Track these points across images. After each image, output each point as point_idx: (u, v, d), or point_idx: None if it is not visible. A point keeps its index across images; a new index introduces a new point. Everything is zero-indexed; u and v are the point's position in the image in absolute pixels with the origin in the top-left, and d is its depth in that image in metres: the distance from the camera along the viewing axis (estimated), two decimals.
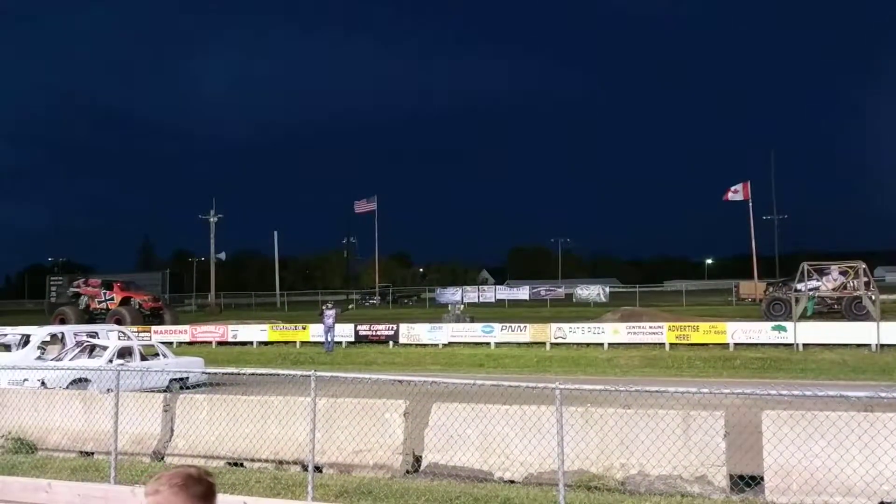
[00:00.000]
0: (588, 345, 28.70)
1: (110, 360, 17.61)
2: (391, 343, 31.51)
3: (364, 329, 32.84)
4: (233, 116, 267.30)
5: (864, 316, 28.38)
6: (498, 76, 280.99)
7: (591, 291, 60.57)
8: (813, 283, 30.89)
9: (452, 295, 62.58)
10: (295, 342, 33.10)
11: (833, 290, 31.27)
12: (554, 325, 30.29)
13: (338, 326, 31.64)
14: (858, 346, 25.26)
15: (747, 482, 8.08)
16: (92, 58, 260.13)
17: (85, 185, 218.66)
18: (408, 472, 9.59)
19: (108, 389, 10.76)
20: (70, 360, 18.41)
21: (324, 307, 32.79)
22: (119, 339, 21.92)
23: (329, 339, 30.72)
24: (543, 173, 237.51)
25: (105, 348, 18.91)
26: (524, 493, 8.46)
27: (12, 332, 23.34)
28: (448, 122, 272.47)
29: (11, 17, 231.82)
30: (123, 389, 11.15)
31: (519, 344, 29.66)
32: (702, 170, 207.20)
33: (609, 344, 28.33)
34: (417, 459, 9.78)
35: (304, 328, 33.94)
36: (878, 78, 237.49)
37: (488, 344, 30.06)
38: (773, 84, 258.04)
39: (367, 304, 66.88)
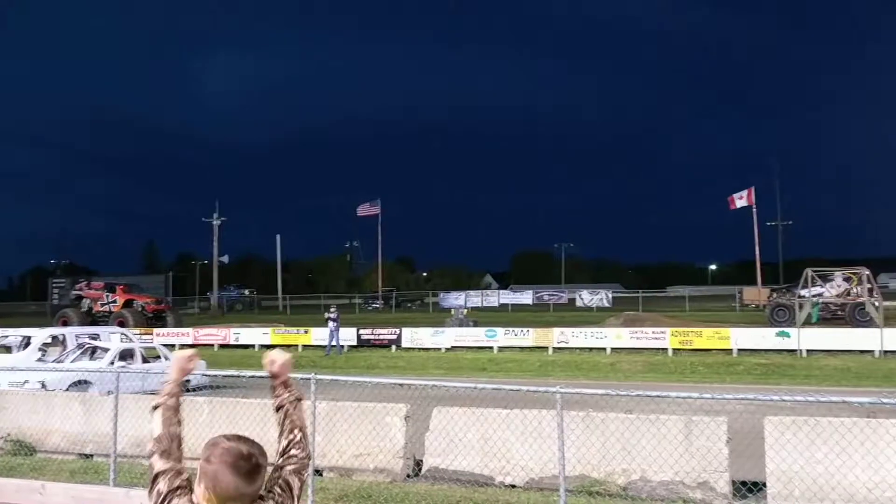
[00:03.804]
0: (591, 349, 28.68)
1: (112, 363, 17.59)
2: (394, 347, 31.51)
3: (367, 333, 32.81)
4: (237, 120, 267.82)
5: (867, 322, 28.33)
6: (502, 80, 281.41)
7: (595, 296, 60.51)
8: (817, 290, 30.86)
9: (456, 299, 62.58)
10: (297, 345, 33.08)
11: (837, 296, 31.23)
12: (557, 330, 30.26)
13: (340, 330, 31.68)
14: (862, 352, 25.22)
15: (749, 488, 8.02)
16: (95, 61, 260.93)
17: (88, 187, 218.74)
18: (408, 476, 9.54)
19: (109, 392, 10.73)
20: (71, 362, 18.40)
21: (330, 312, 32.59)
22: (121, 341, 21.92)
23: (333, 343, 30.75)
24: (547, 178, 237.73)
25: (106, 350, 18.90)
26: (525, 497, 8.41)
27: (13, 334, 23.39)
28: (452, 127, 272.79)
29: (16, 18, 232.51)
30: (125, 391, 11.13)
31: (522, 348, 29.64)
32: (706, 175, 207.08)
33: (612, 349, 28.31)
34: (418, 463, 9.73)
35: (306, 332, 33.92)
36: (883, 85, 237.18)
37: (491, 348, 30.05)
38: (778, 90, 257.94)
39: (370, 307, 66.80)
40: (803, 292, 29.81)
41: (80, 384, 16.20)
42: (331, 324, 31.00)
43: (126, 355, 18.78)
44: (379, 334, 32.67)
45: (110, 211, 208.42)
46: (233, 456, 2.16)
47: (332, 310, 32.51)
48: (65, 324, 37.73)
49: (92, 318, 41.40)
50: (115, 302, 42.53)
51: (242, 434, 2.30)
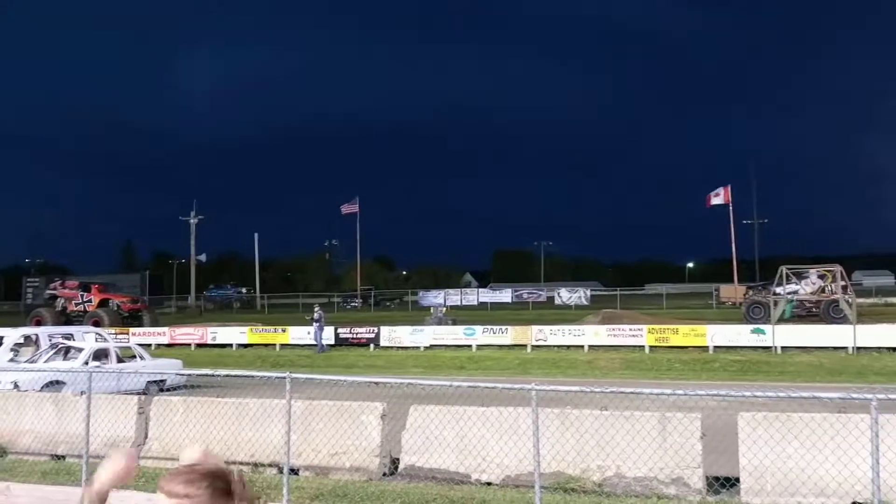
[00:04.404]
0: (569, 347, 28.79)
1: (86, 363, 17.40)
2: (372, 346, 31.44)
3: (344, 332, 32.71)
4: (215, 118, 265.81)
5: (841, 319, 28.66)
6: (481, 79, 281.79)
7: (573, 294, 60.80)
8: (792, 287, 31.23)
9: (435, 298, 62.62)
10: (275, 345, 32.94)
11: (811, 293, 31.63)
12: (535, 328, 30.34)
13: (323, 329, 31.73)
14: (836, 348, 25.53)
15: (722, 483, 8.10)
16: (73, 57, 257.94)
17: (64, 185, 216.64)
18: (385, 474, 9.53)
19: (82, 392, 10.63)
20: (44, 362, 18.18)
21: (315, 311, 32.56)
22: (96, 341, 21.68)
23: (319, 342, 30.83)
24: (527, 177, 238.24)
25: (80, 350, 18.69)
26: (501, 494, 8.43)
27: None
28: (432, 125, 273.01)
29: None
30: (100, 391, 11.04)
31: (500, 346, 29.69)
32: (684, 174, 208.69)
33: (589, 346, 28.43)
34: (395, 462, 9.72)
35: (284, 331, 33.77)
36: (858, 87, 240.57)
37: (470, 346, 30.06)
38: (756, 90, 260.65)
39: (348, 306, 66.64)
40: (778, 290, 30.12)
41: (54, 384, 16.03)
42: (315, 324, 31.10)
43: (101, 355, 18.59)
44: (357, 333, 32.59)
45: (86, 209, 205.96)
46: (217, 479, 2.01)
47: (316, 309, 32.54)
48: (38, 323, 37.24)
49: (66, 318, 40.93)
50: (90, 301, 42.09)
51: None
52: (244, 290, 77.17)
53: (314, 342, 31.24)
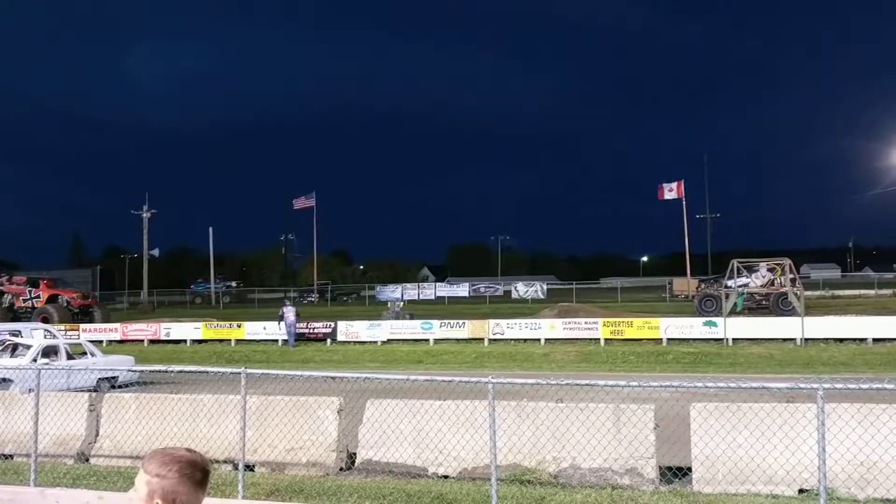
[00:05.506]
0: (525, 340, 28.96)
1: (34, 360, 17.01)
2: (329, 341, 31.24)
3: (301, 327, 32.43)
4: (169, 111, 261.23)
5: (789, 311, 29.34)
6: (437, 75, 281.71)
7: (530, 288, 61.25)
8: (742, 280, 31.87)
9: (392, 292, 62.51)
10: (230, 340, 32.54)
11: (761, 286, 32.32)
12: (492, 322, 30.46)
13: (276, 325, 31.41)
14: (784, 340, 26.13)
15: (675, 473, 8.24)
16: (22, 48, 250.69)
17: (11, 178, 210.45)
18: (342, 469, 9.50)
19: (30, 390, 10.37)
20: None
21: (283, 306, 32.26)
22: (44, 337, 21.20)
23: (286, 337, 30.57)
24: (484, 171, 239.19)
25: (28, 347, 18.26)
26: (458, 487, 8.45)
27: None
28: (388, 119, 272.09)
29: None
30: (50, 389, 10.78)
31: (458, 340, 29.74)
32: (639, 169, 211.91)
33: (546, 339, 28.65)
34: (352, 456, 9.70)
35: (239, 326, 33.38)
36: (809, 84, 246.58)
37: (427, 341, 30.05)
38: (710, 88, 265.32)
39: (305, 301, 66.17)
40: (730, 283, 30.71)
41: (1, 382, 15.64)
42: (291, 315, 30.91)
43: (50, 352, 18.18)
44: (314, 328, 32.35)
45: (35, 204, 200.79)
46: (189, 467, 2.16)
47: (286, 303, 32.27)
48: None
49: (14, 314, 39.92)
50: (38, 297, 41.06)
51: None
52: (234, 284, 76.05)
53: (287, 337, 30.91)
